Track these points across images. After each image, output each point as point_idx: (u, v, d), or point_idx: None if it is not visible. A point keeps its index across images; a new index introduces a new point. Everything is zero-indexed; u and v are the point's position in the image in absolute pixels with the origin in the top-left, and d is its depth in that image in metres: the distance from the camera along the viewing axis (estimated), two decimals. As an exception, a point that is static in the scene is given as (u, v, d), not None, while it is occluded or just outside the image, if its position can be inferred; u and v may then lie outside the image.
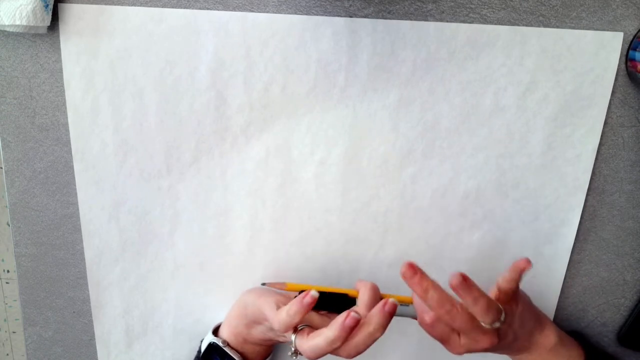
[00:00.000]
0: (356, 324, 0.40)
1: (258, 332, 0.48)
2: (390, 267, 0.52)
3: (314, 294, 0.42)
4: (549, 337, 0.47)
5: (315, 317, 0.45)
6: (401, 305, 0.44)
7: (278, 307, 0.44)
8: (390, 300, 0.41)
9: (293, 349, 0.43)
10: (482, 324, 0.41)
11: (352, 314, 0.39)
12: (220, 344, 0.48)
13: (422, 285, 0.40)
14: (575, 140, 0.47)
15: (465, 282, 0.40)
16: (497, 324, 0.41)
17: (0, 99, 0.48)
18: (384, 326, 0.40)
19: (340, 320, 0.40)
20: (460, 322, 0.40)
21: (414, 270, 0.40)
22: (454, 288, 0.40)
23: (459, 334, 0.42)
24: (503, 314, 0.41)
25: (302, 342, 0.42)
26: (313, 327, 0.44)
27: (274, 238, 0.51)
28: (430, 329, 0.42)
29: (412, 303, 0.44)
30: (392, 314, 0.41)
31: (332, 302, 0.45)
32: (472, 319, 0.41)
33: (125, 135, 0.49)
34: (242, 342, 0.49)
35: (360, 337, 0.40)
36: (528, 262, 0.42)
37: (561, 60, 0.45)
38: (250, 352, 0.49)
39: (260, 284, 0.50)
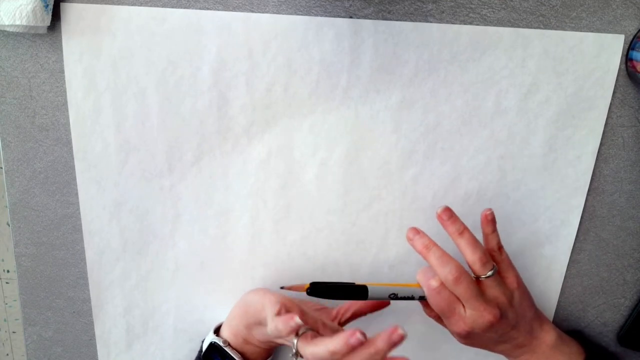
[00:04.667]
0: (359, 345, 0.39)
1: (258, 334, 0.47)
2: (392, 268, 0.52)
3: (297, 320, 0.41)
4: (549, 332, 0.47)
5: (319, 322, 0.45)
6: (409, 288, 0.45)
7: (281, 309, 0.44)
8: (400, 331, 0.39)
9: (294, 350, 0.43)
10: (474, 268, 0.43)
11: (358, 335, 0.39)
12: (221, 344, 0.48)
13: (424, 242, 0.44)
14: (575, 141, 0.47)
15: (450, 211, 0.44)
16: (489, 272, 0.43)
17: (0, 99, 0.48)
18: (385, 353, 0.40)
19: (345, 336, 0.39)
20: (463, 286, 0.42)
21: (415, 231, 0.45)
22: (439, 217, 0.44)
23: (463, 307, 0.43)
24: (493, 264, 0.44)
25: (304, 347, 0.42)
26: (315, 331, 0.44)
27: (275, 238, 0.51)
28: (436, 295, 0.43)
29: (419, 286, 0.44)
30: (397, 344, 0.40)
31: (342, 292, 0.45)
32: (474, 285, 0.43)
33: (127, 135, 0.48)
34: (242, 343, 0.49)
35: (361, 355, 0.40)
36: (487, 209, 0.45)
37: (563, 63, 0.45)
38: (251, 353, 0.49)
39: (278, 287, 0.49)
